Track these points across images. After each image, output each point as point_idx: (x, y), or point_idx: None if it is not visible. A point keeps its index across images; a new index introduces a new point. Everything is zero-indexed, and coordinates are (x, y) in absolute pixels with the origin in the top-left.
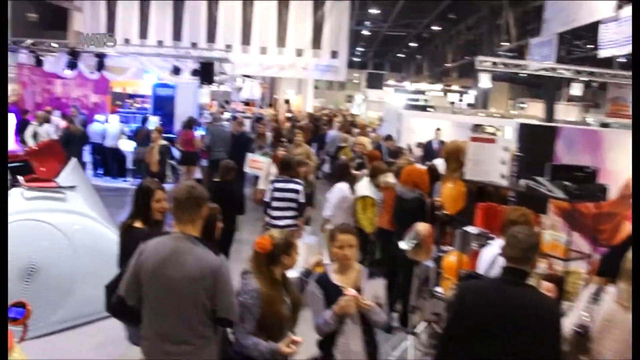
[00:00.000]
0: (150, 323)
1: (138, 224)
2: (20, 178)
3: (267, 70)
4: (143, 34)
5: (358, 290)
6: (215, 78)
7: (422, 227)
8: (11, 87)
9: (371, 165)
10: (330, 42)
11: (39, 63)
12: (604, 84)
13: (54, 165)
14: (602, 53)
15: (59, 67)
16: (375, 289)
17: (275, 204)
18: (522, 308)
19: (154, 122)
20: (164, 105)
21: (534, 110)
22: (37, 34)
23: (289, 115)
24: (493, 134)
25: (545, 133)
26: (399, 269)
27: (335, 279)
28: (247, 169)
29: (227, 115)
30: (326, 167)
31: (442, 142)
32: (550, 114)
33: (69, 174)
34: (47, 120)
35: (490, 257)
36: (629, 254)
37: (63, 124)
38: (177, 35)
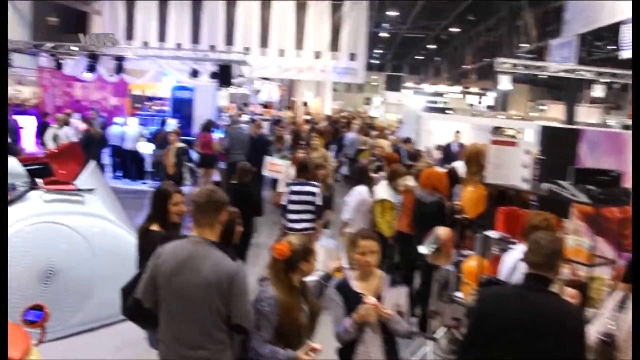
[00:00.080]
0: (167, 327)
1: (155, 227)
2: (39, 181)
3: (285, 73)
4: (162, 37)
5: (379, 297)
6: (234, 81)
7: (442, 231)
8: (32, 90)
9: (389, 168)
10: (348, 44)
11: (59, 66)
12: (625, 85)
13: (73, 167)
14: (624, 54)
15: (78, 70)
16: (397, 297)
17: (292, 207)
18: (545, 316)
19: (172, 124)
20: (182, 107)
21: (554, 112)
22: (57, 38)
23: (307, 117)
24: (513, 136)
25: (568, 136)
26: (418, 273)
27: (356, 285)
28: (266, 172)
29: (245, 117)
30: (344, 170)
31: (461, 145)
32: (571, 116)
33: (87, 176)
34: (67, 123)
35: (512, 263)
36: None
37: (83, 126)
38: (195, 38)
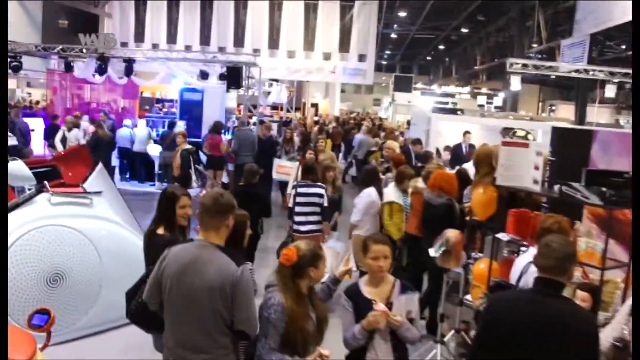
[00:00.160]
0: (171, 330)
1: (161, 231)
2: (46, 183)
3: (295, 74)
4: (171, 39)
5: (389, 304)
6: (243, 82)
7: (451, 233)
8: (41, 93)
9: (397, 170)
10: (357, 45)
11: (68, 68)
12: None
13: (81, 170)
14: None
15: (88, 73)
16: (408, 304)
17: (298, 209)
18: (557, 321)
19: (180, 126)
20: (191, 109)
21: (564, 113)
22: (68, 40)
23: (316, 119)
24: (524, 137)
25: (580, 137)
26: (427, 275)
27: (366, 291)
28: (274, 175)
29: (254, 119)
30: (353, 171)
31: (471, 146)
32: (582, 117)
33: (95, 179)
34: (76, 125)
35: (522, 266)
36: None
37: (92, 129)
38: (205, 40)
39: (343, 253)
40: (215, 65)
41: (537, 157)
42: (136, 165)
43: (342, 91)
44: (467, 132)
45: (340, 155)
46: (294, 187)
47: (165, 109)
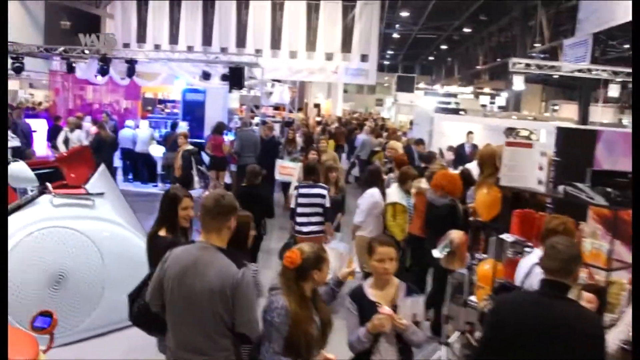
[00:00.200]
0: (172, 331)
1: (163, 232)
2: (48, 185)
3: (297, 75)
4: (173, 39)
5: (395, 307)
6: (245, 83)
7: (456, 234)
8: (44, 94)
9: (399, 170)
10: (360, 45)
11: (71, 69)
12: None
13: (83, 171)
14: None
15: (90, 73)
16: (414, 307)
17: (300, 209)
18: (563, 323)
19: (183, 127)
20: (193, 110)
21: (567, 112)
22: (70, 41)
23: (319, 119)
24: (528, 137)
25: (585, 137)
26: (432, 277)
27: (371, 294)
28: (277, 176)
29: (257, 120)
30: (355, 171)
31: (474, 146)
32: (585, 116)
33: (97, 180)
34: (79, 126)
35: (527, 267)
36: None
37: (94, 129)
38: (207, 40)
39: (346, 254)
40: (218, 66)
41: (541, 157)
42: (139, 166)
43: (345, 91)
44: (470, 132)
45: (344, 155)
46: (296, 187)
47: (167, 110)
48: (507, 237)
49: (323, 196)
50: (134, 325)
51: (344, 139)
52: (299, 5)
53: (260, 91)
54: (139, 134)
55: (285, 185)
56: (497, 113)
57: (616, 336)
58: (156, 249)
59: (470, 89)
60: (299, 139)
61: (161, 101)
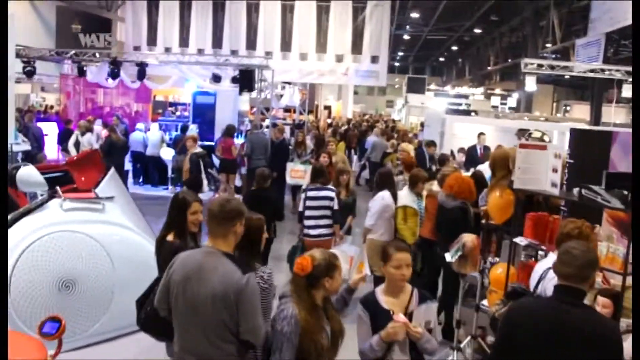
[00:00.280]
0: (178, 336)
1: (171, 237)
2: (58, 189)
3: (307, 77)
4: (184, 42)
5: (409, 314)
6: (255, 85)
7: (468, 238)
8: (55, 97)
9: (410, 173)
10: (370, 47)
11: (82, 73)
12: None
13: (93, 175)
14: None
15: (101, 77)
16: (427, 314)
17: (308, 212)
18: (578, 331)
19: (193, 130)
20: (204, 113)
21: (579, 113)
22: (81, 45)
23: (329, 121)
24: (540, 138)
25: (600, 138)
26: (443, 280)
27: (384, 301)
28: (289, 180)
29: (267, 122)
30: (366, 173)
31: (486, 147)
32: (597, 117)
33: (107, 184)
34: (90, 130)
35: (541, 271)
36: None
37: (105, 133)
38: (217, 43)
39: (357, 257)
40: (228, 69)
41: (555, 159)
42: (149, 169)
43: (355, 93)
44: (481, 134)
45: (355, 157)
46: (304, 190)
47: (178, 113)
48: (521, 240)
49: (331, 198)
50: (142, 331)
51: (357, 142)
52: (309, 7)
53: (271, 93)
54: (150, 137)
55: (295, 189)
56: (509, 114)
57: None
58: (164, 254)
59: (481, 90)
60: (309, 142)
61: (172, 104)
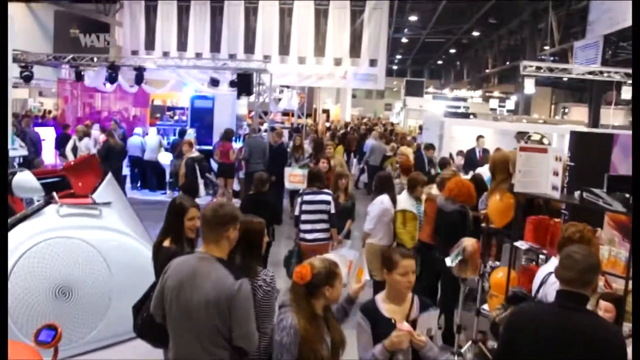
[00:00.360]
0: (172, 342)
1: (167, 243)
2: (54, 195)
3: (306, 80)
4: (182, 46)
5: (412, 322)
6: (254, 89)
7: (468, 242)
8: (53, 102)
9: (408, 177)
10: (368, 50)
11: (79, 77)
12: None
13: (91, 180)
14: None
15: (99, 81)
16: (429, 321)
17: (305, 217)
18: (581, 337)
19: (191, 134)
20: (202, 117)
21: (577, 115)
22: (79, 50)
23: (328, 124)
24: (540, 141)
25: (600, 141)
26: (442, 284)
27: (385, 309)
28: (287, 184)
29: (265, 126)
30: (365, 177)
31: (485, 150)
32: (596, 119)
33: (104, 189)
34: (87, 134)
35: (542, 276)
36: None
37: (102, 137)
38: (215, 47)
39: (356, 261)
40: (226, 72)
41: (555, 162)
42: (147, 174)
43: (354, 96)
44: (480, 137)
45: (355, 161)
46: (300, 194)
47: (176, 117)
48: (521, 244)
49: (328, 202)
50: (138, 337)
51: (356, 145)
52: (308, 11)
53: (269, 97)
54: (148, 141)
55: (294, 193)
56: (507, 117)
57: None
58: (160, 260)
59: (479, 92)
60: (308, 146)
61: (170, 108)
